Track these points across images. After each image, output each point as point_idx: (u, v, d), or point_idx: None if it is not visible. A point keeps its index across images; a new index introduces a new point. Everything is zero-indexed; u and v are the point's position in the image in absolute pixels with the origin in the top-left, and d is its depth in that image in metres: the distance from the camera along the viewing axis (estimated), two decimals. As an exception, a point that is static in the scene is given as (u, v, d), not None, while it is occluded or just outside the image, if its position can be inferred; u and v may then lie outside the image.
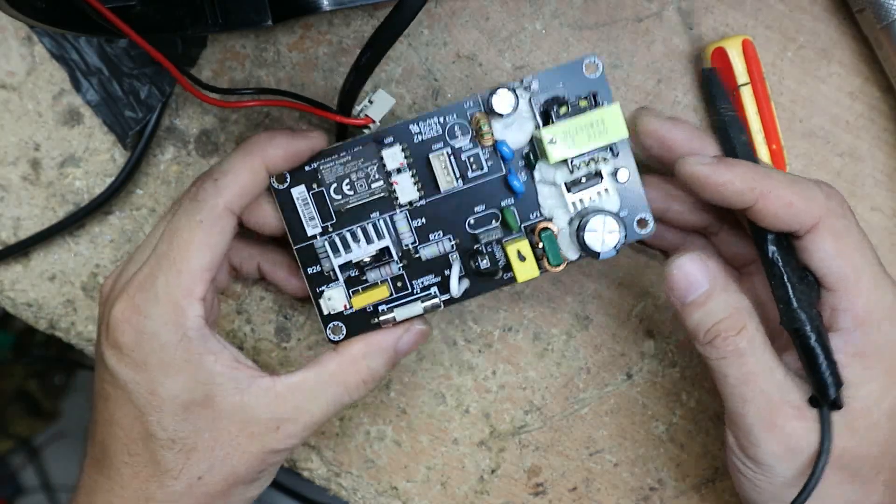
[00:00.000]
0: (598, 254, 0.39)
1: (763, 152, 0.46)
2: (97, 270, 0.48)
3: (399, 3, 0.34)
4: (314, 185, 0.40)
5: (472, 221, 0.40)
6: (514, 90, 0.39)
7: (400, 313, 0.40)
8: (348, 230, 0.40)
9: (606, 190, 0.39)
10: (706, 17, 0.48)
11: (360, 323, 0.41)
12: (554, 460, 0.49)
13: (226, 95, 0.45)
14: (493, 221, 0.40)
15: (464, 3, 0.47)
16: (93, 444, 0.40)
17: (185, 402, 0.38)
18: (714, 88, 0.43)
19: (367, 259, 0.40)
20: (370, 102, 0.41)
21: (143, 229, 0.48)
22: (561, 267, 0.39)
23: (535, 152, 0.40)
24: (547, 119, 0.39)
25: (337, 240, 0.40)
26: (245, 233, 0.45)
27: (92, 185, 0.48)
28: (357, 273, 0.40)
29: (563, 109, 0.39)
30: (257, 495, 0.41)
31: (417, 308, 0.40)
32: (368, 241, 0.40)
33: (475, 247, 0.40)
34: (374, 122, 0.41)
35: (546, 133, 0.38)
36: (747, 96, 0.46)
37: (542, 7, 0.47)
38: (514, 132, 0.40)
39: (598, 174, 0.39)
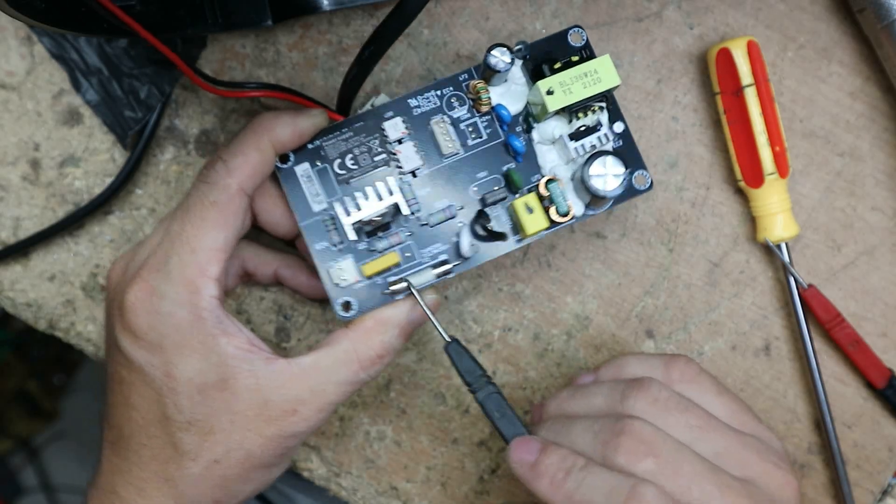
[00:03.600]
0: (605, 195, 0.39)
1: (766, 154, 0.46)
2: (97, 270, 0.48)
3: None
4: (318, 162, 0.40)
5: (475, 188, 0.41)
6: (507, 47, 0.39)
7: (412, 280, 0.40)
8: (358, 191, 0.40)
9: (606, 135, 0.40)
10: (706, 17, 0.48)
11: (371, 298, 0.40)
12: (554, 460, 0.49)
13: (230, 88, 0.45)
14: (496, 186, 0.41)
15: (464, 3, 0.47)
16: (109, 427, 0.40)
17: (201, 384, 0.37)
18: (458, 362, 0.39)
19: (378, 217, 0.40)
20: (372, 106, 0.41)
21: (142, 229, 0.48)
22: (568, 217, 0.40)
23: (531, 117, 0.41)
24: (538, 76, 0.40)
25: (347, 200, 0.40)
26: (261, 239, 0.46)
27: (92, 185, 0.48)
28: (365, 246, 0.40)
29: (556, 65, 0.40)
30: (277, 477, 0.41)
31: (429, 276, 0.40)
32: (379, 198, 0.40)
33: (482, 209, 0.41)
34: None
35: (543, 84, 0.39)
36: (751, 97, 0.45)
37: (542, 7, 0.47)
38: (508, 101, 0.41)
39: (598, 123, 0.41)
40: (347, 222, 0.39)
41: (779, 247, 0.47)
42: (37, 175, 0.48)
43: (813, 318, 0.48)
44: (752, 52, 0.45)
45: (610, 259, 0.49)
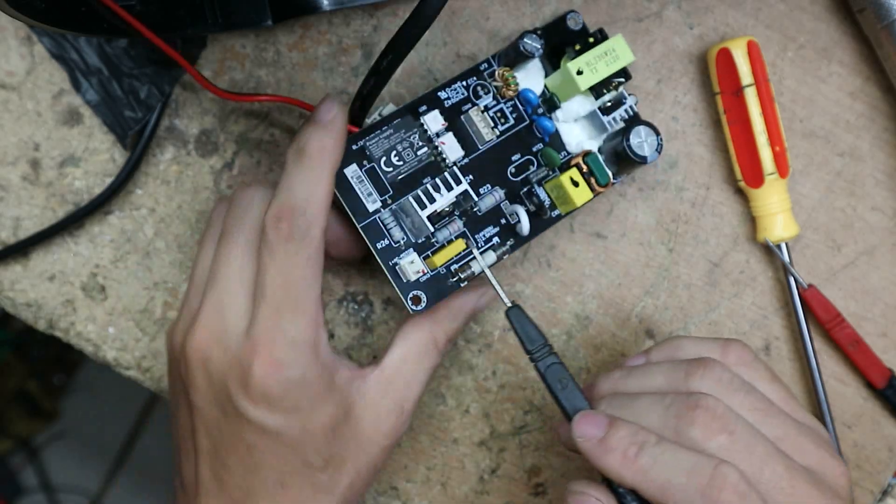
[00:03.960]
0: (646, 158, 0.42)
1: (766, 154, 0.46)
2: (97, 270, 0.48)
3: (421, 2, 0.34)
4: (364, 162, 0.41)
5: (512, 170, 0.43)
6: (535, 34, 0.42)
7: (476, 266, 0.41)
8: (429, 183, 0.41)
9: (631, 107, 0.44)
10: (706, 17, 0.48)
11: (439, 287, 0.41)
12: (554, 460, 0.49)
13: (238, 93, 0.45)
14: (531, 167, 0.43)
15: (464, 3, 0.47)
16: (224, 488, 0.40)
17: (333, 425, 0.39)
18: (519, 329, 0.39)
19: (448, 207, 0.41)
20: (380, 116, 0.42)
21: (142, 229, 0.48)
22: (607, 187, 0.42)
23: (555, 97, 0.43)
24: (555, 60, 0.43)
25: (420, 194, 0.41)
26: None
27: (92, 185, 0.48)
28: (424, 239, 0.41)
29: (577, 46, 0.43)
30: None
31: (491, 258, 0.42)
32: (448, 188, 0.42)
33: (526, 189, 0.43)
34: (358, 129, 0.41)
35: (573, 65, 0.41)
36: (751, 97, 0.45)
37: (542, 7, 0.47)
38: (527, 85, 0.44)
39: (623, 97, 0.44)
40: (424, 215, 0.41)
41: (779, 247, 0.47)
42: (37, 175, 0.48)
43: (813, 318, 0.48)
44: (752, 52, 0.45)
45: (610, 259, 0.49)
